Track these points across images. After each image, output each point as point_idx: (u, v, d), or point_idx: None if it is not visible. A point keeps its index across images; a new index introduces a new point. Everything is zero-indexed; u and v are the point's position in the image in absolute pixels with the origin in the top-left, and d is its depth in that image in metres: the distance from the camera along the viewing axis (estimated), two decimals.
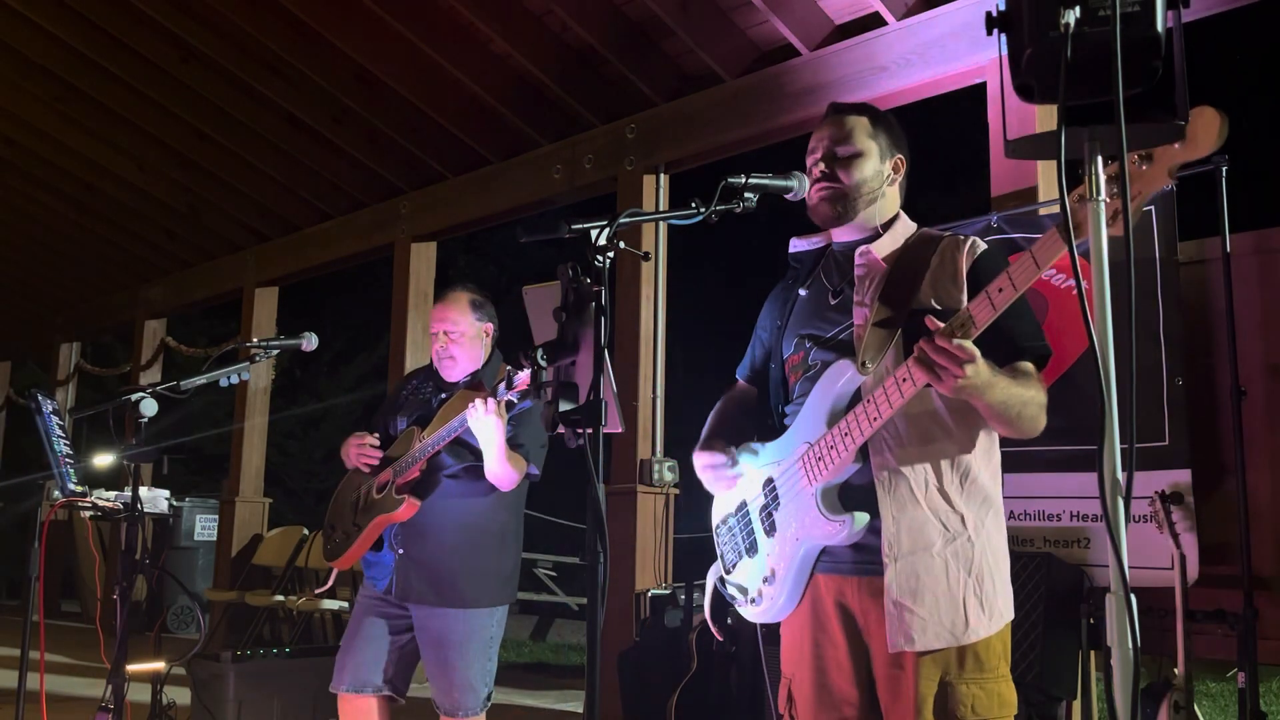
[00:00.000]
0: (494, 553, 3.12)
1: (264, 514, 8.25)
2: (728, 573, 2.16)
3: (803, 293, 2.14)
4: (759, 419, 2.19)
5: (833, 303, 2.07)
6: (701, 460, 2.14)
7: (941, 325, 1.74)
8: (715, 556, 2.20)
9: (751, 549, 2.09)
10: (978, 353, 1.72)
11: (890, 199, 2.10)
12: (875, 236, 2.06)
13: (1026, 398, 1.86)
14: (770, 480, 2.04)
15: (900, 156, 2.11)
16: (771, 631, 2.15)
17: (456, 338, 3.18)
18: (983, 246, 2.00)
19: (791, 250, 2.22)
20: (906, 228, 2.09)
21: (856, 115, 2.10)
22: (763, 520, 2.06)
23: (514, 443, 3.02)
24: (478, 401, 2.83)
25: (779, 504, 2.02)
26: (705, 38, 5.17)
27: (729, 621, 4.00)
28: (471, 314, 3.22)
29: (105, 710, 3.04)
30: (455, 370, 3.21)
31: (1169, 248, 3.61)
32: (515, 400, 2.87)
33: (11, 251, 9.93)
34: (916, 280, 1.95)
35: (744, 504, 2.11)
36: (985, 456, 1.97)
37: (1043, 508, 3.77)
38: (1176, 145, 1.53)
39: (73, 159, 7.91)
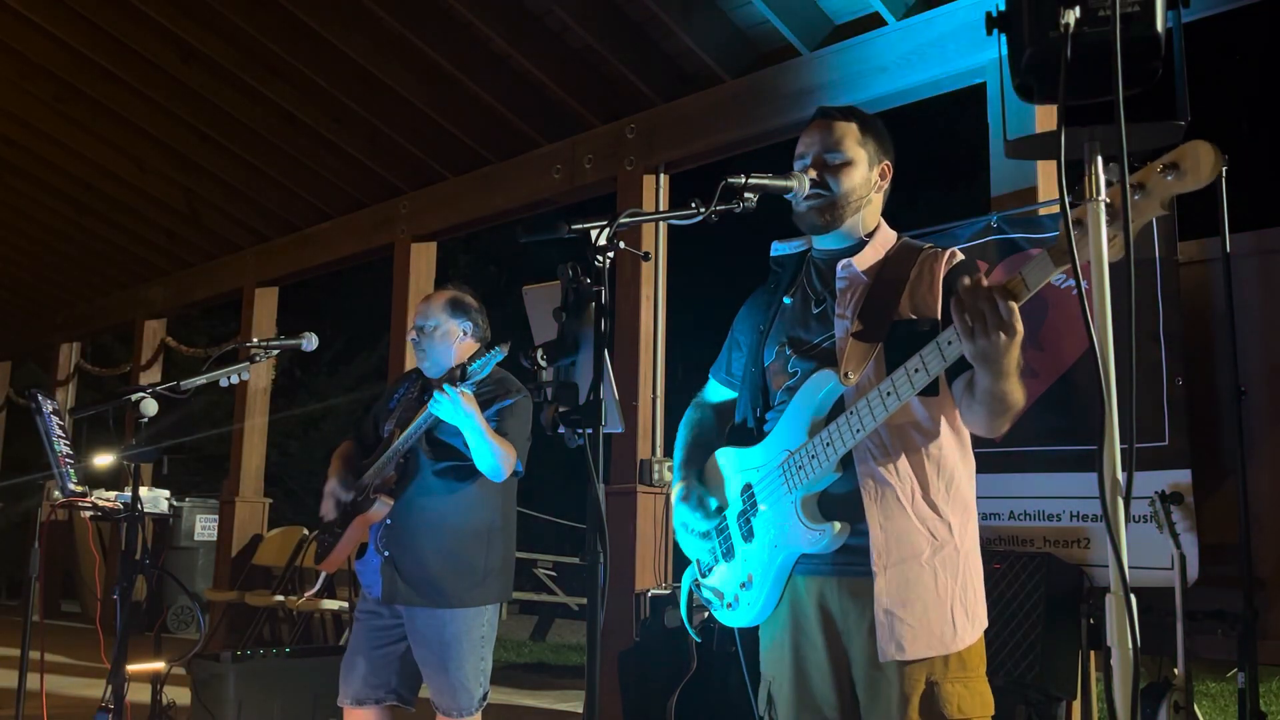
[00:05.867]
0: (479, 552, 3.12)
1: (264, 514, 8.25)
2: (703, 576, 2.16)
3: (787, 300, 2.13)
4: (735, 424, 2.20)
5: (814, 312, 2.06)
6: (681, 516, 2.15)
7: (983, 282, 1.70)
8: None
9: (729, 554, 2.09)
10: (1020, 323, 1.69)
11: (875, 206, 2.09)
12: (858, 246, 2.05)
13: (1018, 395, 1.83)
14: (749, 486, 2.04)
15: (887, 162, 2.09)
16: (750, 634, 2.15)
17: (428, 333, 3.21)
18: (960, 257, 2.00)
19: (773, 254, 2.21)
20: (887, 238, 2.08)
21: (846, 121, 2.07)
22: (741, 526, 2.06)
23: (498, 434, 3.04)
24: (435, 392, 2.87)
25: (757, 510, 2.02)
26: (705, 38, 5.17)
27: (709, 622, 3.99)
28: (446, 312, 3.23)
29: (105, 710, 3.04)
30: (428, 365, 3.24)
31: (1169, 248, 3.61)
32: (469, 390, 2.88)
33: (11, 251, 9.93)
34: (897, 293, 1.96)
35: (719, 511, 2.12)
36: (964, 463, 1.97)
37: (1043, 508, 3.77)
38: (1170, 178, 1.53)
39: (73, 159, 7.90)
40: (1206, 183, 1.52)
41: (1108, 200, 1.57)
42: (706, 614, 4.31)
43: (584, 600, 4.81)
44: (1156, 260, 3.60)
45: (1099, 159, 1.58)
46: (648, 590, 4.91)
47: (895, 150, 2.12)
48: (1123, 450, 1.49)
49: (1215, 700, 6.58)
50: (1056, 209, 3.80)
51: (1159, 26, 1.53)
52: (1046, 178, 4.14)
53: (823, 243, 2.11)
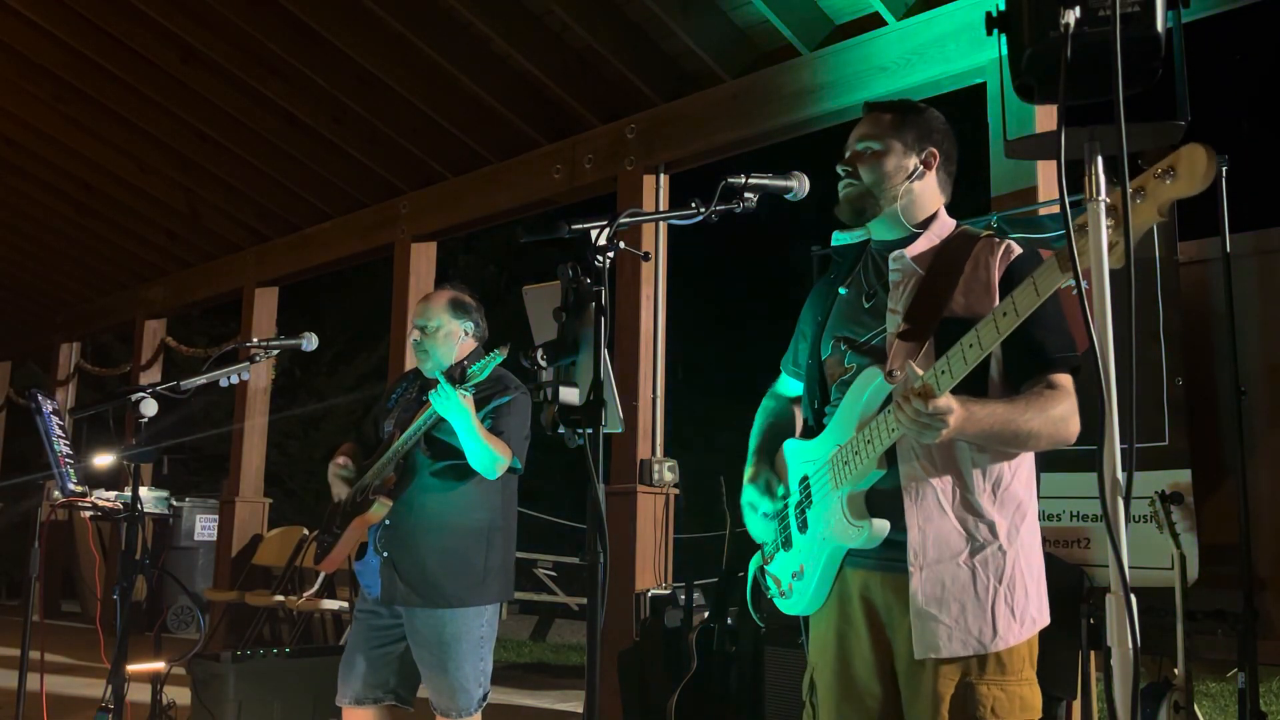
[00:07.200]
0: (478, 552, 3.12)
1: (264, 514, 8.25)
2: (767, 563, 2.20)
3: (842, 291, 2.13)
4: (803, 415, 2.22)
5: (866, 306, 2.06)
6: (749, 496, 2.18)
7: (917, 382, 1.74)
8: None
9: (787, 543, 2.12)
10: (952, 403, 1.74)
11: (923, 195, 2.07)
12: (912, 238, 2.04)
13: (1022, 420, 1.85)
14: (805, 479, 2.07)
15: (932, 150, 2.07)
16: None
17: (430, 333, 3.21)
18: (1018, 251, 1.97)
19: (833, 244, 2.21)
20: (944, 226, 2.07)
21: (882, 112, 2.09)
22: (797, 516, 2.09)
23: (494, 432, 3.04)
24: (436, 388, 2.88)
25: (811, 503, 2.05)
26: (705, 38, 5.17)
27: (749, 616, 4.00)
28: (448, 312, 3.22)
29: (105, 710, 3.04)
30: (429, 366, 3.24)
31: (1169, 248, 3.61)
32: (468, 392, 2.88)
33: (11, 251, 9.92)
34: (949, 287, 1.93)
35: (784, 498, 2.14)
36: (1016, 462, 1.96)
37: (1043, 508, 3.76)
38: (1168, 181, 1.53)
39: (73, 159, 7.90)
40: (1203, 187, 1.51)
41: (1108, 200, 1.57)
42: (707, 614, 4.31)
43: (584, 600, 4.81)
44: (1156, 260, 3.60)
45: (1099, 159, 1.58)
46: (648, 590, 4.91)
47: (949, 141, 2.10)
48: (1123, 450, 1.49)
49: (1215, 700, 6.57)
50: (1056, 209, 3.80)
51: (1159, 26, 1.53)
52: (1046, 178, 4.14)
53: (879, 234, 2.10)
